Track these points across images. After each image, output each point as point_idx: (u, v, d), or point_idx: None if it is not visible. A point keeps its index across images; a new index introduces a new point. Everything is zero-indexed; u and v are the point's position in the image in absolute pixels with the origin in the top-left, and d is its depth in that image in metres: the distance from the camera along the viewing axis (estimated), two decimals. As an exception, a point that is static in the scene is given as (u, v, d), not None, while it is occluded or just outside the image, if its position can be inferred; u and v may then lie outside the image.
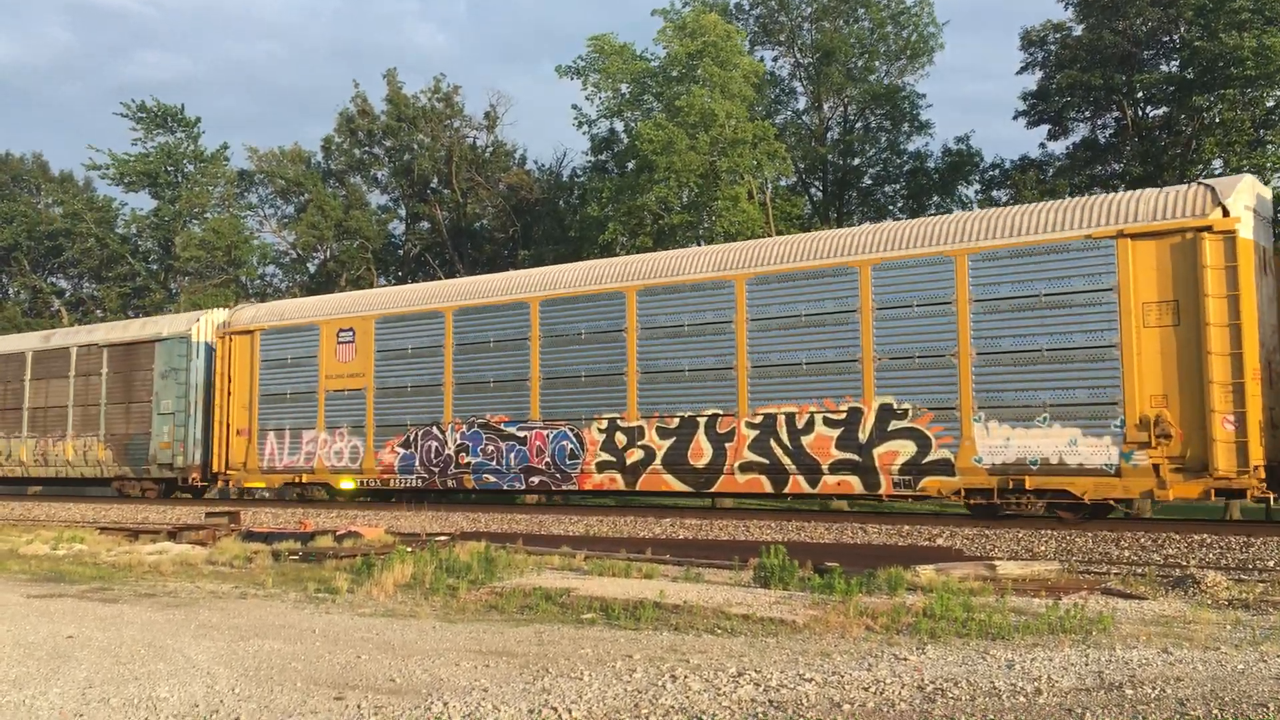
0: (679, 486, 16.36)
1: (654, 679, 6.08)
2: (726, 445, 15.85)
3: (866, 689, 5.78)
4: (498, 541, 13.39)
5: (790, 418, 15.40)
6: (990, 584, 9.59)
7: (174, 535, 15.58)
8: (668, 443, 16.45)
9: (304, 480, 20.53)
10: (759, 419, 15.62)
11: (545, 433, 17.61)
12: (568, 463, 17.36)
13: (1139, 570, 10.63)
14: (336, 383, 20.23)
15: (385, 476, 19.33)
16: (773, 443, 15.49)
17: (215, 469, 22.00)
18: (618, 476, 16.87)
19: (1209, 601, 8.80)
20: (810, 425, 15.24)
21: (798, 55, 36.76)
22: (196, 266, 43.74)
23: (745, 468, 15.65)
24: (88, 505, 23.09)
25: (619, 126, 35.66)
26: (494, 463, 18.09)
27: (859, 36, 35.59)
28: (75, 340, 25.78)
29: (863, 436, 14.80)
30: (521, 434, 17.85)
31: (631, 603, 8.54)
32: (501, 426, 18.10)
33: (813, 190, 37.52)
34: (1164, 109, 30.19)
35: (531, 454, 17.71)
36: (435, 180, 42.96)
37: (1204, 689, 5.65)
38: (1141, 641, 7.00)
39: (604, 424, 17.08)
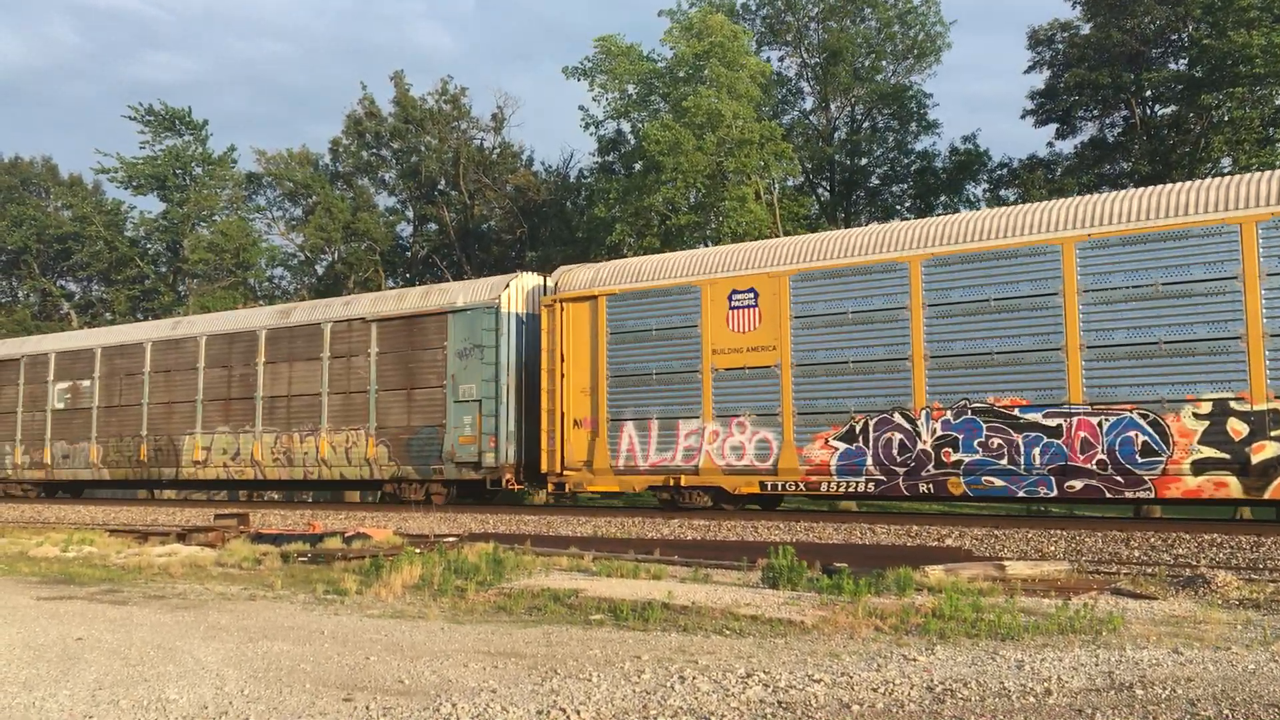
0: None
1: (662, 680, 6.08)
2: None
3: (875, 690, 5.76)
4: (506, 543, 13.40)
5: None
6: (999, 584, 9.56)
7: (183, 537, 15.61)
8: None
9: (682, 483, 16.43)
10: None
11: (1094, 420, 13.30)
12: (1138, 461, 13.02)
13: (1149, 570, 10.60)
14: (730, 358, 16.13)
15: (814, 478, 15.23)
16: None
17: (545, 468, 17.81)
18: (1230, 480, 12.47)
19: (1219, 601, 8.76)
20: None
21: (804, 55, 36.79)
22: (205, 269, 43.92)
23: None
24: (97, 507, 22.89)
25: (626, 127, 35.77)
26: (1003, 461, 13.82)
27: (866, 36, 35.61)
28: (329, 315, 21.43)
29: None
30: (1051, 422, 13.54)
31: (639, 604, 8.54)
32: (1015, 412, 13.84)
33: (820, 190, 37.53)
34: (1172, 107, 30.13)
35: (1072, 449, 13.37)
36: (442, 182, 43.06)
37: (1215, 689, 5.62)
38: (1152, 642, 6.98)
39: (1205, 407, 12.71)
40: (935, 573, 9.76)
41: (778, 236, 27.16)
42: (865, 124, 36.87)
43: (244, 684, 6.21)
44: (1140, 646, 6.80)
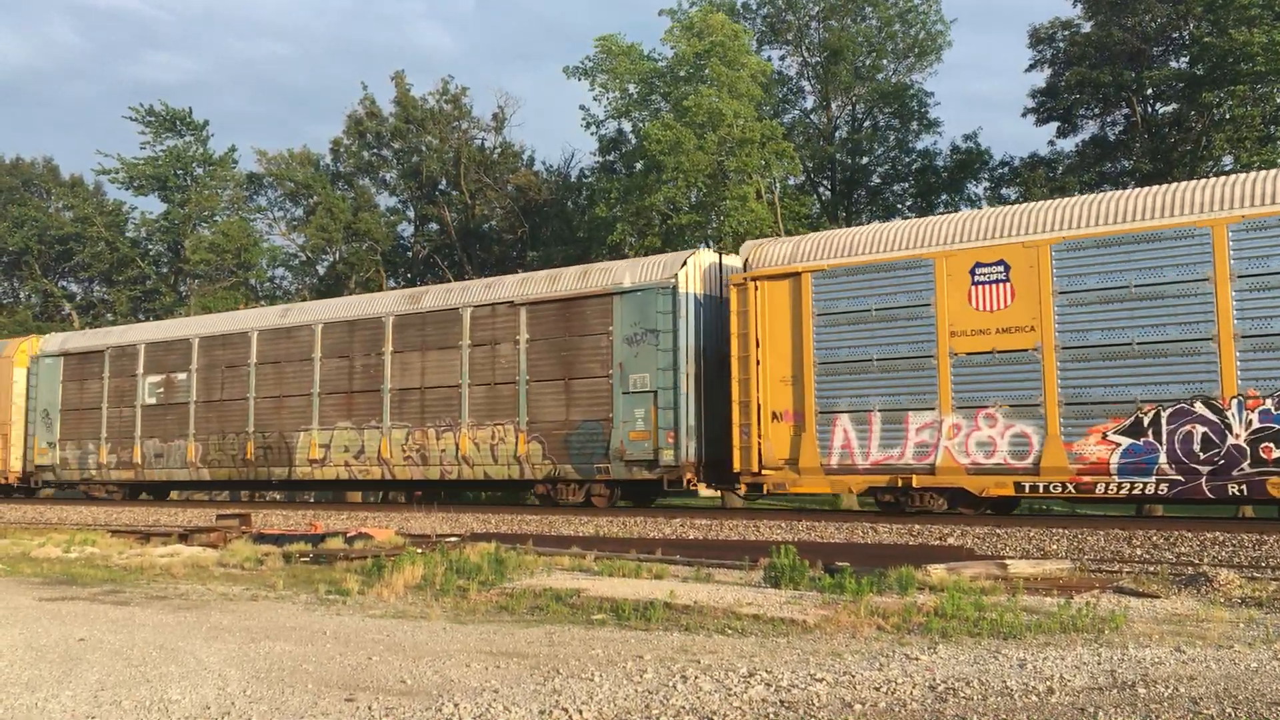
0: None
1: (665, 679, 6.08)
2: None
3: (878, 689, 5.76)
4: (508, 542, 13.40)
5: None
6: (1002, 583, 9.56)
7: (185, 537, 15.62)
8: None
9: (914, 483, 14.47)
10: None
11: None
12: None
13: (1151, 568, 10.59)
14: (974, 341, 14.13)
15: (1088, 479, 13.29)
16: None
17: (737, 466, 15.85)
18: None
19: (1222, 600, 8.76)
20: None
21: (805, 54, 36.79)
22: (206, 270, 43.93)
23: None
24: (99, 508, 22.83)
25: (627, 127, 35.77)
26: None
27: (866, 35, 35.61)
28: (468, 299, 19.41)
29: None
30: None
31: (642, 603, 8.54)
32: None
33: (821, 189, 37.52)
34: (1174, 106, 30.15)
35: None
36: (443, 182, 43.07)
37: (1217, 688, 5.62)
38: (1154, 640, 6.97)
39: None
40: (937, 572, 9.75)
41: (779, 236, 27.13)
42: (866, 123, 36.85)
43: (246, 684, 6.22)
44: (1143, 645, 6.79)
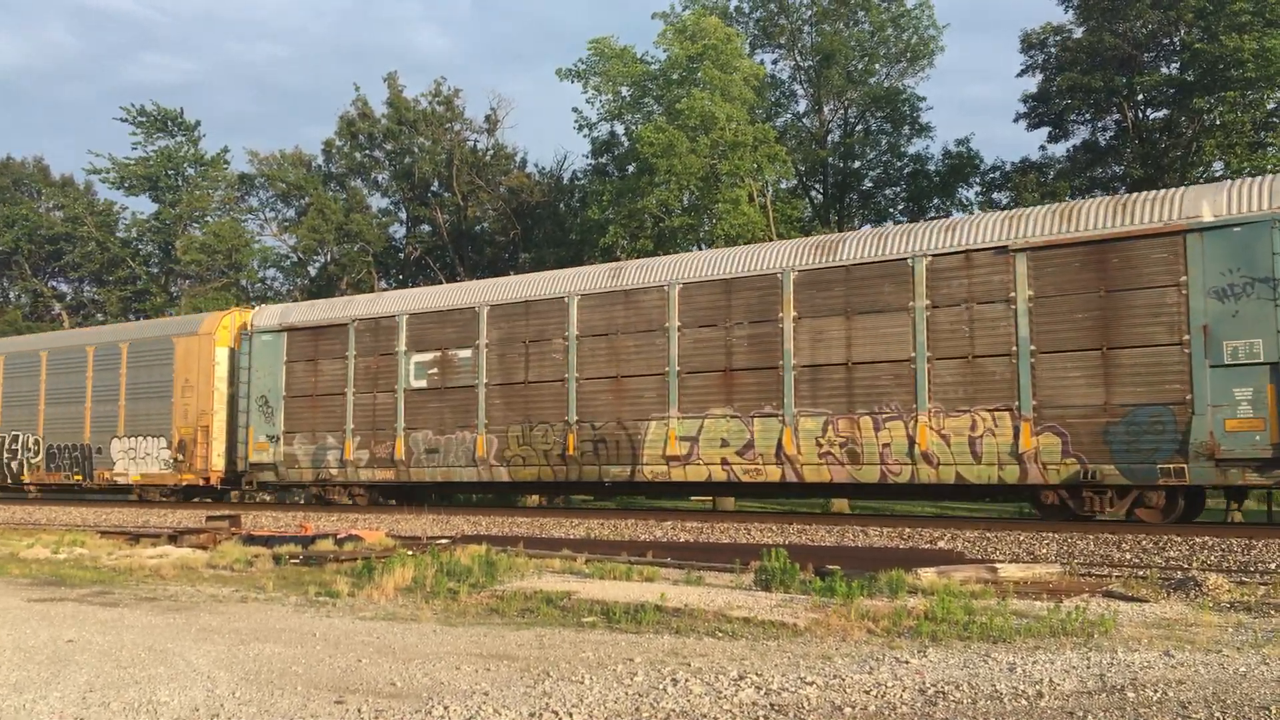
0: None
1: (655, 682, 6.08)
2: None
3: (868, 692, 5.77)
4: (499, 545, 13.38)
5: None
6: (992, 586, 9.58)
7: (175, 539, 15.56)
8: None
9: None
10: None
11: None
12: None
13: (1141, 573, 10.62)
14: None
15: None
16: None
17: None
18: None
19: (1211, 604, 8.78)
20: None
21: (798, 58, 36.82)
22: (197, 270, 43.82)
23: None
24: (89, 509, 22.68)
25: (619, 129, 35.76)
26: None
27: (859, 39, 35.66)
28: (920, 246, 15.31)
29: None
30: None
31: (632, 606, 8.54)
32: None
33: (813, 193, 37.57)
34: (1164, 111, 30.29)
35: None
36: (436, 183, 43.00)
37: (1206, 692, 5.64)
38: (1143, 644, 6.99)
39: None
40: (928, 575, 9.77)
41: (771, 240, 27.16)
42: (858, 127, 36.90)
43: (235, 686, 6.20)
44: (1132, 649, 6.81)
